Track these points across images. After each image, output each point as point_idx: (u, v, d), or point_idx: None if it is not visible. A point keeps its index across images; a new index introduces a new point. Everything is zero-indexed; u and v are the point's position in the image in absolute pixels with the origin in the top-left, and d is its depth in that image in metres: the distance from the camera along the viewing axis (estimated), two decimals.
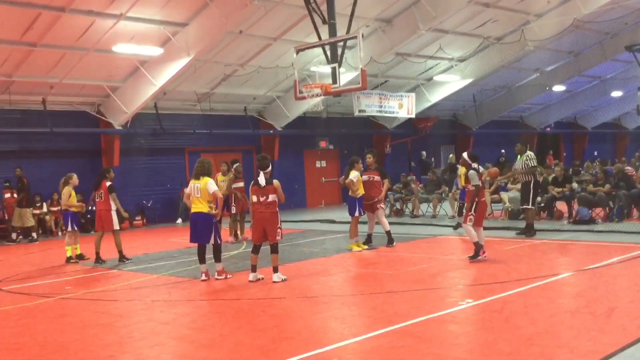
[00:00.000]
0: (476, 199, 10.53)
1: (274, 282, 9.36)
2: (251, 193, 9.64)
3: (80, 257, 12.93)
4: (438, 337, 6.38)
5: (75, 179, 12.95)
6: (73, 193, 12.94)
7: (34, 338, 7.03)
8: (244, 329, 6.94)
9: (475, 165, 10.75)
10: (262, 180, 9.48)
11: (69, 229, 12.87)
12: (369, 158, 12.97)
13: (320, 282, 9.65)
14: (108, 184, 12.50)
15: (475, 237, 10.47)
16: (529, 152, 13.52)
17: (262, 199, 9.47)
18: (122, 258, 12.44)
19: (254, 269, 9.65)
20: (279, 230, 9.53)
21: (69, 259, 12.78)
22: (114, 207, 12.47)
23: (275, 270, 9.53)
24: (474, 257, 10.45)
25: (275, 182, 9.55)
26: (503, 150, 29.08)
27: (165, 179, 22.03)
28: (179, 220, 21.44)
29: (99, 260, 12.43)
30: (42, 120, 18.97)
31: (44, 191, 18.72)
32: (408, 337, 6.24)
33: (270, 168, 9.67)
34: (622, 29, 23.57)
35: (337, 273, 10.26)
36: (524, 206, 13.53)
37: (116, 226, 12.46)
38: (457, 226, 14.82)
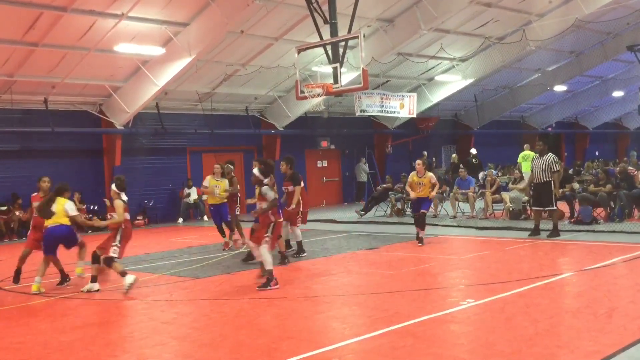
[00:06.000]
0: (273, 219, 9.30)
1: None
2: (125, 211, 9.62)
3: None
4: (439, 337, 6.39)
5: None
6: None
7: (35, 338, 7.04)
8: (245, 329, 6.94)
9: (266, 180, 9.38)
10: None
11: None
12: (282, 165, 11.94)
13: (321, 282, 9.66)
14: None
15: (271, 264, 9.09)
16: (551, 154, 13.08)
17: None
18: None
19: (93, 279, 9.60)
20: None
21: None
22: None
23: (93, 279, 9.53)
24: (264, 287, 8.97)
25: None
26: (425, 153, 27.44)
27: (166, 178, 22.04)
28: (180, 220, 21.47)
29: None
30: (44, 120, 18.98)
31: None
32: (409, 337, 6.24)
33: None
34: (623, 29, 23.55)
35: (338, 273, 10.27)
36: (549, 207, 13.14)
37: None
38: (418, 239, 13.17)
